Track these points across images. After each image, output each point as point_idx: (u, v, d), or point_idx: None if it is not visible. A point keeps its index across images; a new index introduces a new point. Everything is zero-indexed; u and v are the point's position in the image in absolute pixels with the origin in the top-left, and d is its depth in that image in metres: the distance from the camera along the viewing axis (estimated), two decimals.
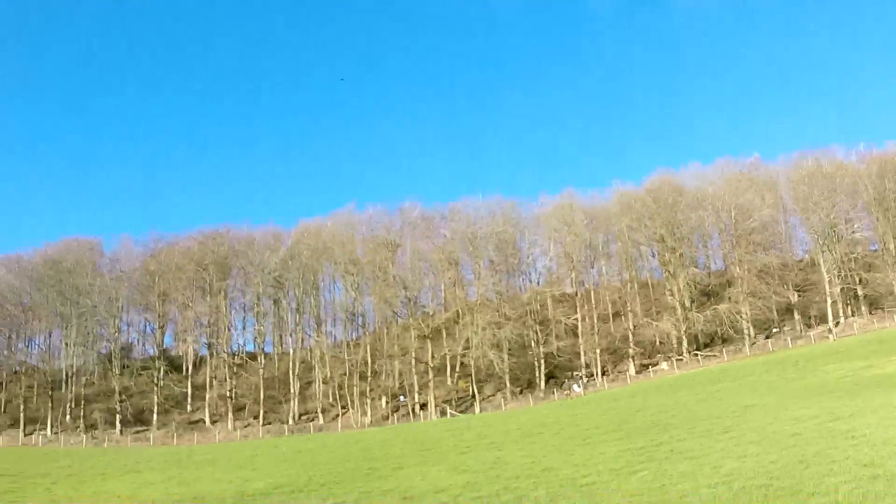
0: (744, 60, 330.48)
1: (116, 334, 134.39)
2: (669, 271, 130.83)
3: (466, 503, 22.95)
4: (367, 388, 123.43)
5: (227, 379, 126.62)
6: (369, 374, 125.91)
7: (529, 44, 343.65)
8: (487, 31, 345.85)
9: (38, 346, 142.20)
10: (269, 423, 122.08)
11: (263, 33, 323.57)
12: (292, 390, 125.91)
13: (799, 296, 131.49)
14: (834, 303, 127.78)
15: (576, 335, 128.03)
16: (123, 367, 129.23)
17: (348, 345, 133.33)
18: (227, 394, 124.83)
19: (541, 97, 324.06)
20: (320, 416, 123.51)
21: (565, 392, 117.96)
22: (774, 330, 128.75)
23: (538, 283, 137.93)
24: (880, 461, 18.33)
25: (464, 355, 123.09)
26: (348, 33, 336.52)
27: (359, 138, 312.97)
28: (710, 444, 28.54)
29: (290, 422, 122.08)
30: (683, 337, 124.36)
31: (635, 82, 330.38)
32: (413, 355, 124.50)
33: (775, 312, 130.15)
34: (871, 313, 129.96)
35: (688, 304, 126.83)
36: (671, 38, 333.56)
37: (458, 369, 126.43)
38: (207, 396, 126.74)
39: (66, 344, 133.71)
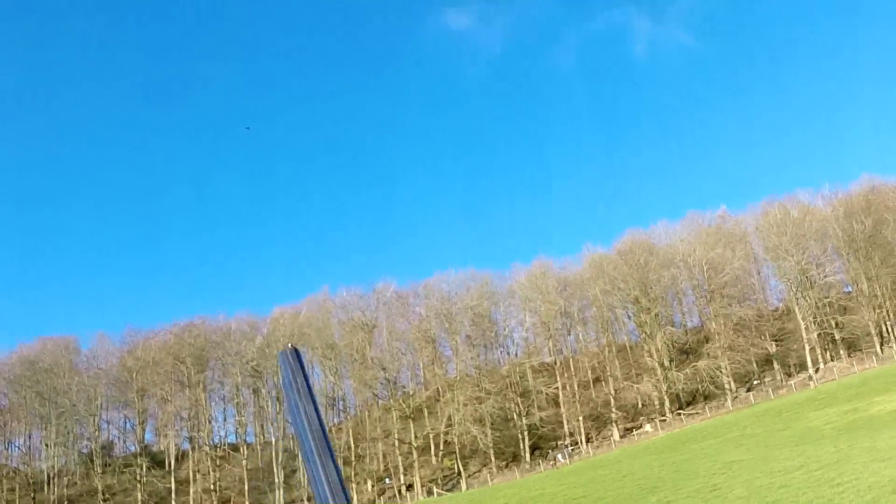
0: (704, 112, 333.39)
1: (97, 433, 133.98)
2: (646, 332, 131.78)
3: None
4: (352, 473, 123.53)
5: (211, 472, 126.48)
6: (353, 458, 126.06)
7: (491, 110, 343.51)
8: (448, 99, 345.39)
9: (18, 447, 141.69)
10: None
11: (221, 128, 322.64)
12: (277, 480, 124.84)
13: (777, 345, 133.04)
14: (812, 349, 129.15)
15: (557, 404, 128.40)
16: (105, 465, 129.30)
17: (330, 430, 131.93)
18: (212, 487, 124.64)
19: (506, 165, 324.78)
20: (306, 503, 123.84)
21: (551, 462, 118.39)
22: (755, 382, 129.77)
23: (516, 354, 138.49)
24: None
25: (447, 433, 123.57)
26: (309, 116, 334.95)
27: (330, 220, 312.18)
28: None
29: None
30: (665, 397, 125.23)
31: (600, 144, 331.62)
32: (396, 436, 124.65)
33: (755, 364, 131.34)
34: (850, 356, 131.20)
35: (667, 363, 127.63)
36: (633, 97, 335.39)
37: (442, 447, 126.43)
38: (192, 491, 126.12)
39: (47, 445, 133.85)
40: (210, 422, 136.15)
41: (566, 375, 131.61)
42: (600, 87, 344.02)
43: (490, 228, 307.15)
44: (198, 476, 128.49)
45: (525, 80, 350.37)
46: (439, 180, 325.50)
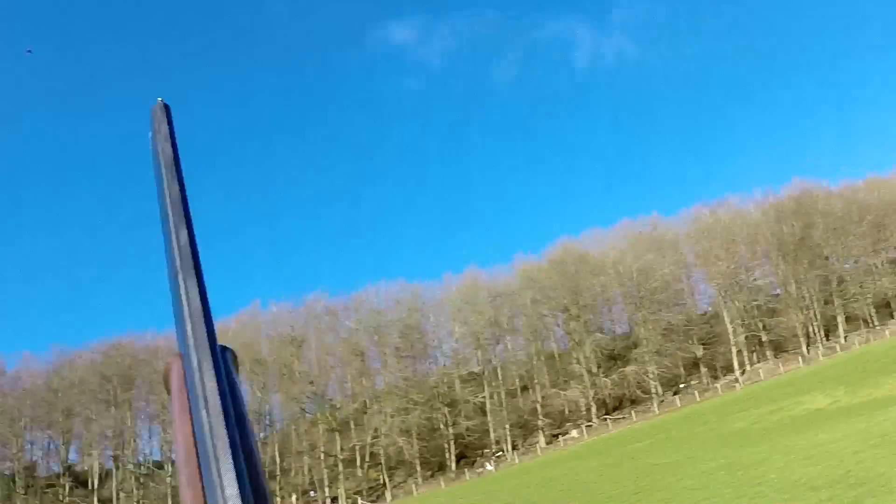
0: (641, 119, 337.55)
1: (20, 454, 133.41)
2: (575, 340, 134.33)
3: None
4: (277, 488, 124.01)
5: (135, 490, 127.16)
6: (278, 472, 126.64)
7: (428, 123, 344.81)
8: (386, 112, 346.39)
9: None
10: None
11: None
12: None
13: (704, 349, 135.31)
14: (739, 352, 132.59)
15: (484, 413, 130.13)
16: (27, 486, 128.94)
17: (256, 444, 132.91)
18: None
19: (442, 176, 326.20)
20: None
21: (478, 471, 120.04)
22: (682, 386, 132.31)
23: (444, 364, 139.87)
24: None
25: (373, 445, 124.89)
26: (242, 119, 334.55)
27: (259, 233, 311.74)
28: None
29: None
30: (592, 403, 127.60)
31: (537, 153, 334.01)
32: (322, 449, 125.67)
33: (682, 368, 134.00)
34: (776, 357, 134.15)
35: (595, 370, 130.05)
36: (573, 106, 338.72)
37: (367, 459, 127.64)
38: None
39: None
40: (135, 440, 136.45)
41: (494, 384, 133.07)
42: (541, 97, 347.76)
43: (423, 239, 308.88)
44: (121, 495, 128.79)
45: (464, 91, 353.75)
46: (374, 191, 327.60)
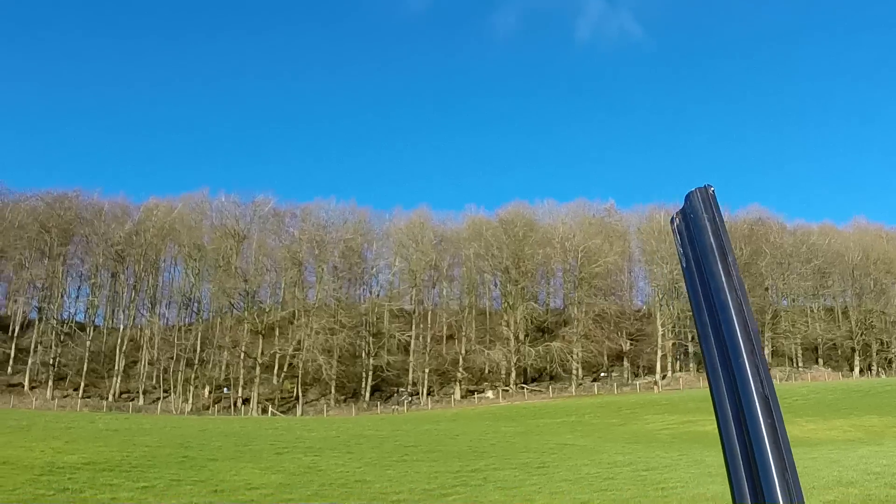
0: (630, 104, 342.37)
1: None
2: (509, 303, 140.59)
3: None
4: (193, 376, 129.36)
5: (53, 346, 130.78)
6: (197, 361, 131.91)
7: (419, 53, 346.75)
8: (379, 36, 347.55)
9: None
10: (89, 397, 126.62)
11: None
12: (117, 367, 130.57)
13: (631, 344, 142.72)
14: (664, 356, 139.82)
15: (407, 352, 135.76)
16: None
17: (180, 329, 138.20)
18: (51, 361, 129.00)
19: (415, 108, 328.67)
20: (141, 397, 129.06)
21: (393, 407, 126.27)
22: (602, 374, 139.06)
23: (378, 295, 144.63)
24: None
25: (294, 356, 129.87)
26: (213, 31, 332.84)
27: (223, 121, 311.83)
28: (523, 478, 30.65)
29: (110, 398, 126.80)
30: (513, 368, 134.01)
31: (516, 109, 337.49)
32: (243, 349, 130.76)
33: (606, 357, 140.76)
34: (698, 370, 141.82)
35: (522, 337, 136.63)
36: (564, 71, 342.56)
37: (286, 369, 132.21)
38: (30, 361, 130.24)
39: None
40: (63, 296, 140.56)
41: (422, 326, 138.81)
42: (534, 53, 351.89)
43: (383, 167, 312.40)
44: (39, 347, 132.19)
45: (460, 30, 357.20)
46: (340, 106, 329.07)
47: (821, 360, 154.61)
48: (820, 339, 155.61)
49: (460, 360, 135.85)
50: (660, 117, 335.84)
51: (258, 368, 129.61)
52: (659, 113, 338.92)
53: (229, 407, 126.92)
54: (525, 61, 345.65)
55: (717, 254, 1.93)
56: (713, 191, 1.98)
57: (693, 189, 1.98)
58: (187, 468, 33.04)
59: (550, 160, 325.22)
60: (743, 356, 1.70)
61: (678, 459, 36.60)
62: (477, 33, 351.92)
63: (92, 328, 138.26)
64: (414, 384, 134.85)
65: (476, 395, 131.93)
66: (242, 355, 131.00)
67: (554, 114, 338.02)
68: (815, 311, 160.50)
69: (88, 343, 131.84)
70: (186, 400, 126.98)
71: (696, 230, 1.93)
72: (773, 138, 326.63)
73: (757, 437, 1.59)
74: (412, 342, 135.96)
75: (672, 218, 2.04)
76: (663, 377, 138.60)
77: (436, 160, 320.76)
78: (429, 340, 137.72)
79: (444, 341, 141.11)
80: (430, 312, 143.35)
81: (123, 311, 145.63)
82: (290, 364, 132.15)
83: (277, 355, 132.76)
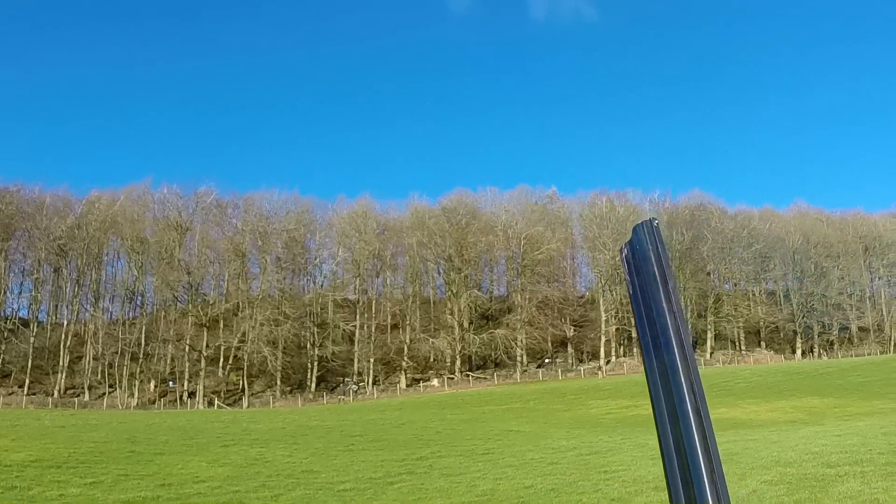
0: (577, 88, 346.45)
1: None
2: (452, 291, 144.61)
3: (223, 497, 24.50)
4: (138, 370, 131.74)
5: None
6: (141, 355, 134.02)
7: (356, 37, 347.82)
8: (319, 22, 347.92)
9: None
10: (34, 394, 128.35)
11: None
12: (61, 363, 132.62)
13: (575, 330, 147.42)
14: (608, 342, 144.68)
15: (352, 342, 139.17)
16: None
17: (124, 323, 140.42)
18: None
19: (355, 95, 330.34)
20: (87, 392, 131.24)
21: (339, 397, 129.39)
22: (547, 360, 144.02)
23: (322, 285, 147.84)
24: (627, 497, 20.17)
25: (239, 348, 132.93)
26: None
27: (165, 109, 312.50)
28: (468, 464, 31.39)
29: (56, 395, 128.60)
30: (458, 356, 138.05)
31: (458, 94, 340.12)
32: (188, 342, 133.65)
33: (550, 344, 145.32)
34: (641, 356, 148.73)
35: (466, 324, 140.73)
36: (511, 53, 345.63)
37: (231, 362, 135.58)
38: None
39: None
40: (5, 292, 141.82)
41: (366, 316, 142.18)
42: (488, 34, 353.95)
43: (326, 155, 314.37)
44: None
45: (412, 10, 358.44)
46: (282, 92, 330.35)
47: (763, 343, 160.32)
48: (762, 323, 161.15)
49: (405, 348, 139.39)
50: (605, 101, 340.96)
51: (203, 361, 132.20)
52: (605, 96, 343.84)
53: (175, 400, 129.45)
54: (477, 43, 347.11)
55: (659, 282, 2.18)
56: (657, 223, 2.22)
57: (640, 222, 2.24)
58: (135, 463, 34.02)
59: (493, 147, 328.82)
60: (680, 373, 1.99)
61: (621, 443, 37.52)
62: (429, 14, 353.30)
63: (35, 324, 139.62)
64: (359, 374, 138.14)
65: (421, 384, 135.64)
66: (187, 348, 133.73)
67: (499, 98, 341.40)
68: (757, 294, 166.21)
69: (32, 339, 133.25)
70: (132, 394, 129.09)
71: (642, 259, 2.18)
72: (716, 123, 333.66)
73: (690, 445, 1.88)
74: (357, 332, 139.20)
75: (622, 248, 2.32)
76: (607, 362, 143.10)
77: (379, 148, 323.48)
78: (373, 330, 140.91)
79: (389, 330, 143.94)
80: (374, 302, 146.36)
81: (67, 306, 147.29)
82: (235, 356, 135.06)
83: (222, 348, 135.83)
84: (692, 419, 1.96)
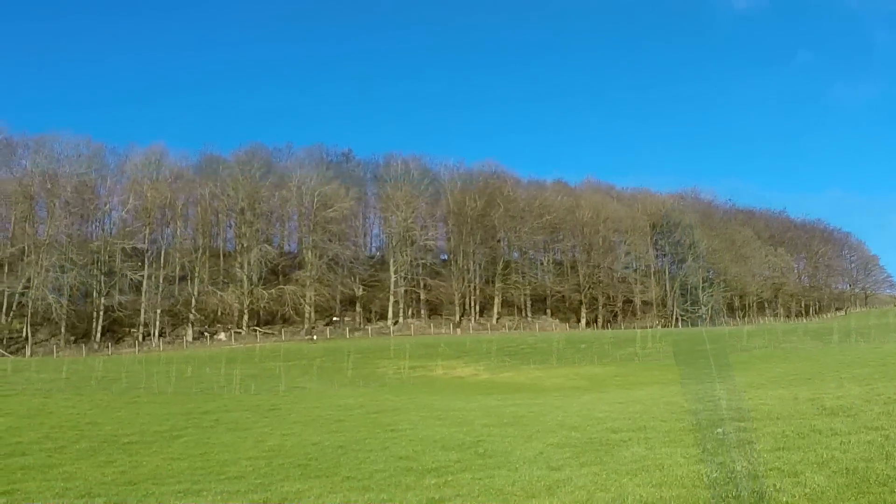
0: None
1: None
2: (243, 244, 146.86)
3: (4, 449, 24.54)
4: None
5: None
6: None
7: None
8: None
9: None
10: None
11: None
12: None
13: (365, 290, 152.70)
14: (396, 303, 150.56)
15: (139, 292, 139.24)
16: None
17: None
18: None
19: (158, 30, 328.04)
20: None
21: (124, 351, 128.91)
22: (335, 319, 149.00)
23: (111, 233, 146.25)
24: (415, 455, 20.39)
25: (23, 294, 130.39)
26: None
27: None
28: (255, 419, 32.07)
29: None
30: (245, 311, 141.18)
31: (262, 44, 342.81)
32: None
33: (339, 302, 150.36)
34: (429, 318, 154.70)
35: (255, 279, 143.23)
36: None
37: (14, 308, 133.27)
38: None
39: None
40: None
41: (154, 266, 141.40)
42: None
43: (118, 99, 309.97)
44: None
45: None
46: (76, 24, 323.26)
47: (549, 311, 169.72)
48: (549, 291, 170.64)
49: (193, 301, 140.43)
50: (411, 61, 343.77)
51: None
52: (412, 56, 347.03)
53: None
54: None
55: None
56: None
57: None
58: None
59: (292, 103, 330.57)
60: None
61: (407, 403, 38.25)
62: None
63: None
64: (146, 325, 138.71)
65: (209, 337, 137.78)
66: None
67: (302, 54, 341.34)
68: (546, 264, 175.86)
69: None
70: None
71: None
72: (518, 99, 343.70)
73: None
74: (144, 282, 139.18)
75: None
76: (395, 323, 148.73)
77: (176, 95, 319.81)
78: (161, 280, 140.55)
79: (178, 282, 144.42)
80: (163, 252, 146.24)
81: None
82: (19, 303, 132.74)
83: (6, 293, 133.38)
84: None
